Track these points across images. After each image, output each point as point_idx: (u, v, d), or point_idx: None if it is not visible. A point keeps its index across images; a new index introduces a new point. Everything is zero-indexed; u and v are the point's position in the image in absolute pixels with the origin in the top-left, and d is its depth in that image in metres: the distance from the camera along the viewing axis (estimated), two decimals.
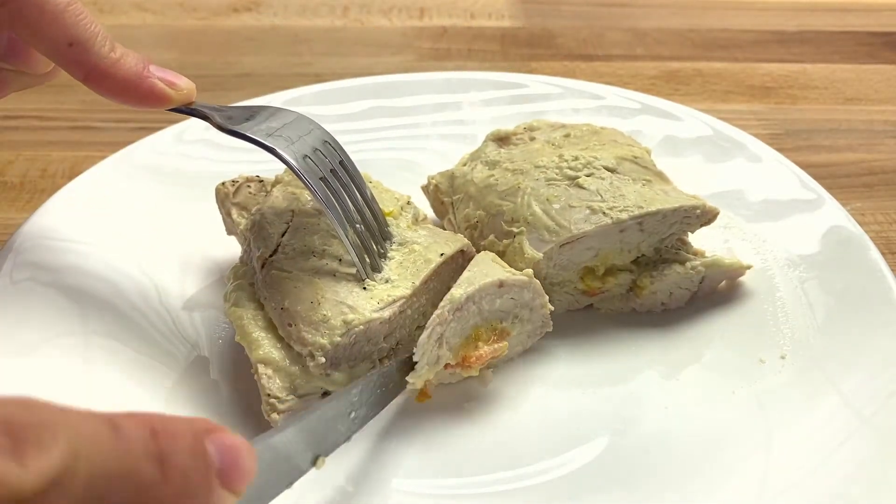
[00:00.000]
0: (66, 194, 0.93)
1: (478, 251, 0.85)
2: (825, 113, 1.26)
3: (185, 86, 0.73)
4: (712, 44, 1.48)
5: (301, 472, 0.55)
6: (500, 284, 0.72)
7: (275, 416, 0.68)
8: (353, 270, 0.73)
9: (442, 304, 0.69)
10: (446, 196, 0.90)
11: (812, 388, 0.73)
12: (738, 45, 1.47)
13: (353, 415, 0.62)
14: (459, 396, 0.76)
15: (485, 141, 0.93)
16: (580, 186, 0.81)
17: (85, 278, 0.83)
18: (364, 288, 0.72)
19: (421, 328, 0.76)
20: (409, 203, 0.84)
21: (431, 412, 0.74)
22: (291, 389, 0.69)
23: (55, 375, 0.73)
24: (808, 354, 0.77)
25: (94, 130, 1.19)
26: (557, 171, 0.83)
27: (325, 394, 0.71)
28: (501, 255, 0.81)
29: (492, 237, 0.82)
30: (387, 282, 0.74)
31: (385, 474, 0.69)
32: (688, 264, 0.82)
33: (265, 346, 0.70)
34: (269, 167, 0.89)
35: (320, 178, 0.72)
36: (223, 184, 0.87)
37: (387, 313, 0.71)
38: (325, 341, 0.68)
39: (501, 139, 0.93)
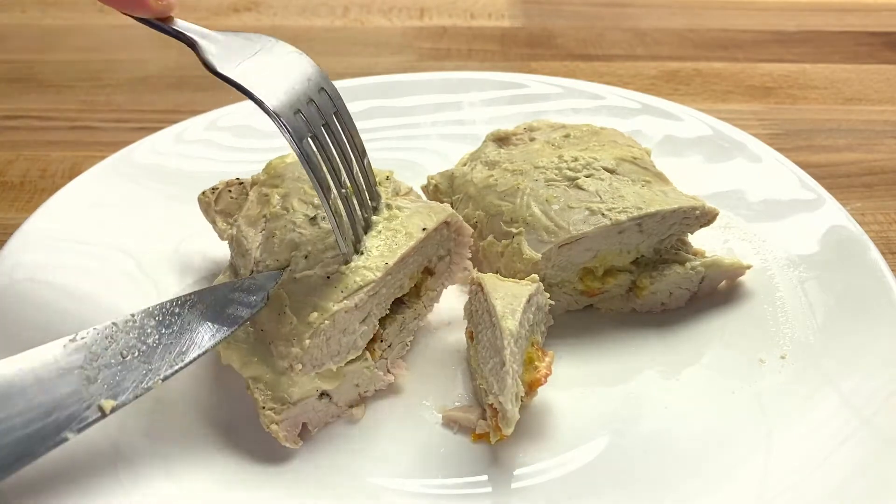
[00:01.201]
0: (66, 194, 0.93)
1: (477, 251, 0.85)
2: (825, 113, 1.26)
3: None
4: (712, 44, 1.48)
5: (86, 420, 0.57)
6: (529, 300, 0.71)
7: (274, 427, 0.68)
8: (316, 268, 0.70)
9: (505, 341, 0.66)
10: (446, 196, 0.90)
11: (812, 388, 0.73)
12: (738, 45, 1.47)
13: (138, 356, 0.61)
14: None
15: (485, 141, 0.93)
16: (579, 187, 0.81)
17: (85, 278, 0.84)
18: (328, 277, 0.69)
19: (401, 307, 0.76)
20: (388, 178, 0.81)
21: (431, 412, 0.74)
22: (286, 398, 0.68)
23: None
24: (808, 354, 0.77)
25: (94, 130, 1.19)
26: (557, 171, 0.83)
27: (323, 394, 0.71)
28: (500, 255, 0.81)
29: (491, 237, 0.82)
30: (361, 254, 0.71)
31: (385, 474, 0.69)
32: (687, 264, 0.82)
33: (253, 364, 0.69)
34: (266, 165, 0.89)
35: (310, 137, 0.66)
36: (204, 193, 0.86)
37: (352, 302, 0.69)
38: (296, 350, 0.67)
39: (501, 139, 0.93)
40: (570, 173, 0.82)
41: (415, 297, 0.79)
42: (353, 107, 1.13)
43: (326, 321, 0.67)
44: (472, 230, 0.80)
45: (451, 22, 1.55)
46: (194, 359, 0.64)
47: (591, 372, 0.78)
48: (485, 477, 0.69)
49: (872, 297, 0.79)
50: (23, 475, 0.63)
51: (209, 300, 0.68)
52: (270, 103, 0.64)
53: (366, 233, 0.73)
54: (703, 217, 0.83)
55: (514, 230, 0.80)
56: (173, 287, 0.86)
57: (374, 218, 0.74)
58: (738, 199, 0.96)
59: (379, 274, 0.70)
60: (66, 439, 0.56)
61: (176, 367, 0.63)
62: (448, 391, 0.76)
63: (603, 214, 0.78)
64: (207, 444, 0.70)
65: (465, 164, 0.92)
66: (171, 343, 0.64)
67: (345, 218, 0.69)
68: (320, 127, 0.68)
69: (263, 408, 0.68)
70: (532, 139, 0.92)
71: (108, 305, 0.81)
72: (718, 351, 0.80)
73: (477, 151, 0.92)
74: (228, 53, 0.66)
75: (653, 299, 0.84)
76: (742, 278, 0.85)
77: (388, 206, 0.75)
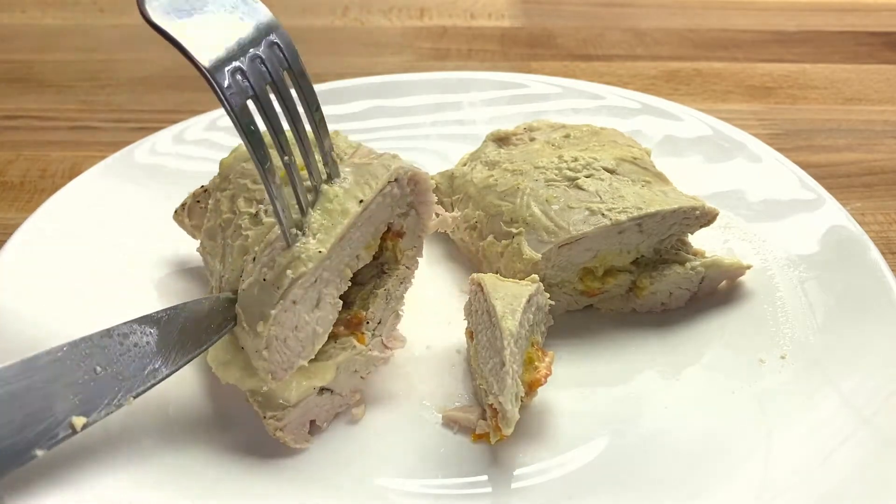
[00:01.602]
0: (66, 194, 0.93)
1: (477, 251, 0.85)
2: (825, 113, 1.26)
3: None
4: (712, 44, 1.48)
5: (56, 437, 0.56)
6: (529, 300, 0.71)
7: (280, 433, 0.68)
8: (257, 270, 0.66)
9: (505, 341, 0.66)
10: (446, 196, 0.90)
11: (812, 388, 0.73)
12: (738, 45, 1.47)
13: (111, 372, 0.60)
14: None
15: (485, 141, 0.93)
16: (579, 187, 0.81)
17: (85, 278, 0.83)
18: (264, 279, 0.64)
19: (381, 277, 0.73)
20: (337, 134, 0.75)
21: (431, 412, 0.74)
22: (284, 403, 0.68)
23: None
24: (808, 354, 0.77)
25: (94, 130, 1.19)
26: (557, 171, 0.83)
27: (324, 389, 0.71)
28: (500, 255, 0.81)
29: (491, 237, 0.82)
30: (304, 235, 0.65)
31: (385, 474, 0.69)
32: (687, 264, 0.82)
33: (248, 379, 0.68)
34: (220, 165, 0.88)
35: (251, 97, 0.59)
36: (176, 212, 0.84)
37: (288, 300, 0.64)
38: (261, 363, 0.65)
39: (501, 139, 0.93)
40: (570, 173, 0.82)
41: (393, 262, 0.75)
42: (353, 107, 1.14)
43: (272, 328, 0.64)
44: (427, 174, 0.73)
45: (451, 22, 1.55)
46: (166, 376, 0.64)
47: (591, 372, 0.78)
48: (485, 477, 0.69)
49: (872, 297, 0.79)
50: (21, 475, 0.63)
51: (183, 318, 0.66)
52: (204, 59, 0.56)
53: (313, 206, 0.67)
54: (703, 217, 0.83)
55: (514, 230, 0.80)
56: (172, 287, 0.86)
57: (326, 188, 0.67)
58: (738, 199, 0.96)
59: (311, 264, 0.64)
60: (35, 456, 0.55)
61: (148, 384, 0.62)
62: (448, 391, 0.76)
63: (603, 214, 0.78)
64: (207, 445, 0.70)
65: (465, 164, 0.92)
66: (145, 359, 0.63)
67: (287, 191, 0.63)
68: (264, 88, 0.61)
69: (265, 417, 0.68)
70: (532, 139, 0.92)
71: (107, 306, 0.81)
72: (718, 351, 0.79)
73: (477, 151, 0.92)
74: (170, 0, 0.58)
75: (653, 299, 0.84)
76: (742, 278, 0.85)
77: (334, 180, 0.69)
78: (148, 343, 0.64)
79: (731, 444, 0.70)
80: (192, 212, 0.82)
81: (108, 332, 0.62)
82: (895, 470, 0.64)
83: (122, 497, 0.64)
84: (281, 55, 0.62)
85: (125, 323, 0.64)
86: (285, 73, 0.63)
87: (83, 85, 1.31)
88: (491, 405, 0.68)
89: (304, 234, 0.65)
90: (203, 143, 1.05)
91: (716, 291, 0.86)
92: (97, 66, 1.36)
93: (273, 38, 0.61)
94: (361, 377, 0.74)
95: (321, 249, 0.65)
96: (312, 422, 0.71)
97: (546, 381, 0.70)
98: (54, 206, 0.91)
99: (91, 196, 0.94)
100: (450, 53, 1.44)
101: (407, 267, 0.77)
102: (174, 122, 1.08)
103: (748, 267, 0.85)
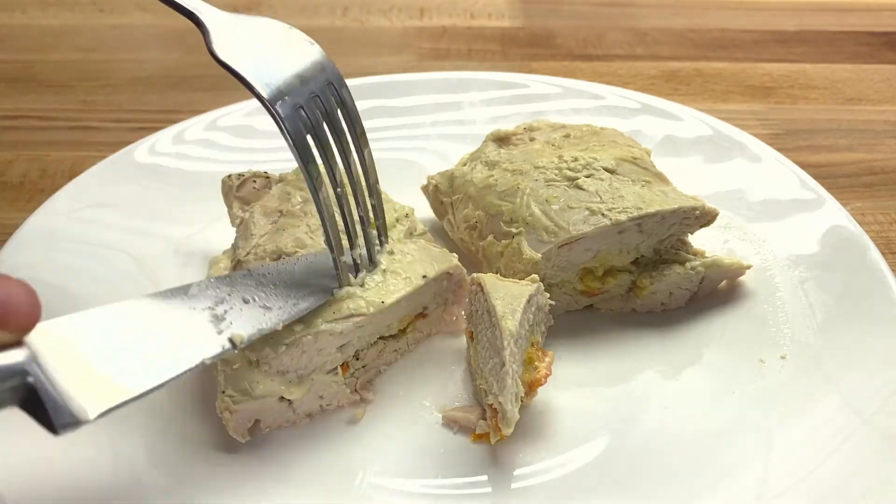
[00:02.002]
0: (66, 194, 0.93)
1: (477, 251, 0.85)
2: (825, 113, 1.26)
3: None
4: (712, 44, 1.48)
5: (218, 351, 0.58)
6: (529, 300, 0.71)
7: (227, 414, 0.67)
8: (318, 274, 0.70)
9: (505, 341, 0.66)
10: (446, 196, 0.90)
11: (812, 388, 0.73)
12: (738, 45, 1.47)
13: (258, 302, 0.64)
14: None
15: (485, 141, 0.93)
16: (579, 187, 0.81)
17: (85, 278, 0.83)
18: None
19: (383, 339, 0.75)
20: (407, 216, 0.82)
21: (431, 412, 0.74)
22: (247, 390, 0.68)
23: None
24: (808, 354, 0.77)
25: (94, 130, 1.19)
26: (557, 171, 0.83)
27: (282, 399, 0.70)
28: (500, 255, 0.81)
29: (491, 237, 0.82)
30: (361, 286, 0.70)
31: (385, 474, 0.69)
32: (688, 264, 0.82)
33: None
34: (275, 166, 0.89)
35: (310, 135, 0.63)
36: (229, 176, 0.87)
37: (339, 327, 0.68)
38: (269, 350, 0.67)
39: (501, 139, 0.93)
40: (570, 173, 0.82)
41: (401, 332, 0.78)
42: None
43: (309, 336, 0.67)
44: (468, 281, 0.78)
45: (451, 22, 1.55)
46: (305, 310, 0.66)
47: (591, 372, 0.78)
48: (485, 477, 0.69)
49: (873, 297, 0.79)
50: (20, 475, 0.64)
51: (314, 264, 0.71)
52: (268, 94, 0.60)
53: (367, 268, 0.72)
54: (703, 217, 0.83)
55: (513, 230, 0.80)
56: (173, 286, 0.86)
57: (377, 257, 0.73)
58: (738, 199, 0.96)
59: (372, 310, 0.69)
60: (203, 364, 0.57)
61: (293, 314, 0.65)
62: (448, 391, 0.76)
63: (603, 214, 0.78)
64: (207, 445, 0.70)
65: (465, 164, 0.92)
66: (287, 294, 0.66)
67: (345, 244, 0.69)
68: (321, 122, 0.65)
69: (223, 392, 0.68)
70: (532, 139, 0.92)
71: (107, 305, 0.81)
72: (718, 351, 0.79)
73: (477, 151, 0.92)
74: (233, 37, 0.62)
75: (653, 299, 0.84)
76: (742, 278, 0.85)
77: (390, 253, 0.75)
78: (287, 281, 0.68)
79: (731, 444, 0.70)
80: (244, 185, 0.86)
81: (248, 272, 0.67)
82: (895, 470, 0.64)
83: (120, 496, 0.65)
84: (335, 95, 0.66)
85: (265, 265, 0.69)
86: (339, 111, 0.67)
87: (83, 85, 1.31)
88: (491, 405, 0.68)
89: (357, 285, 0.70)
90: (203, 143, 1.05)
91: (716, 291, 0.86)
92: (97, 66, 1.36)
93: (328, 76, 0.66)
94: (321, 406, 0.74)
95: (384, 301, 0.69)
96: (258, 421, 0.71)
97: (546, 382, 0.69)
98: (54, 206, 0.91)
99: (91, 196, 0.94)
100: (450, 53, 1.44)
101: (408, 343, 0.80)
102: (174, 122, 1.08)
103: (748, 267, 0.85)
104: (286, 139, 0.61)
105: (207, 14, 0.63)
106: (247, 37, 0.63)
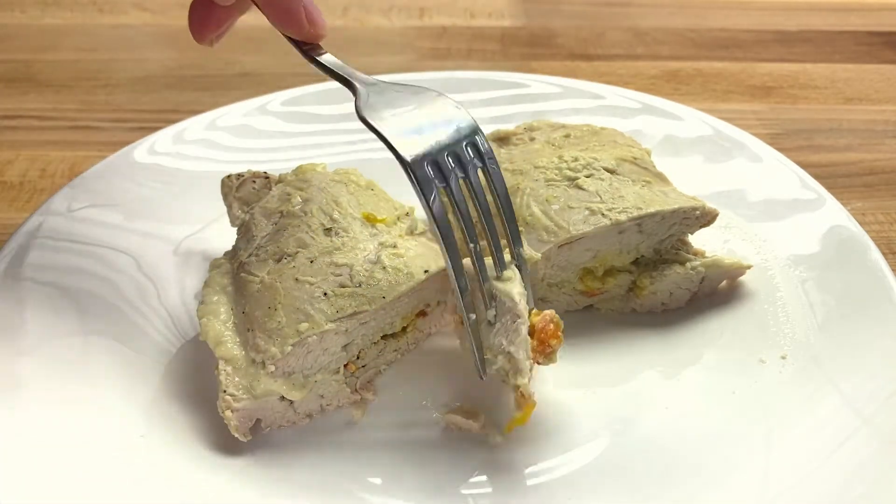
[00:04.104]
0: (66, 194, 0.93)
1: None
2: (825, 113, 1.26)
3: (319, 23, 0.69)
4: (712, 44, 1.48)
5: None
6: None
7: (228, 413, 0.68)
8: (318, 279, 0.71)
9: (516, 297, 0.67)
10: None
11: (812, 388, 0.73)
12: (739, 45, 1.47)
13: None
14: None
15: None
16: (579, 187, 0.81)
17: (85, 278, 0.83)
18: (325, 294, 0.70)
19: (385, 338, 0.76)
20: (408, 214, 0.82)
21: (431, 412, 0.74)
22: (249, 389, 0.68)
23: (55, 374, 0.73)
24: (809, 354, 0.76)
25: (94, 130, 1.19)
26: (557, 171, 0.83)
27: (283, 398, 0.70)
28: None
29: None
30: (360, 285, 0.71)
31: (384, 474, 0.69)
32: (688, 264, 0.82)
33: (227, 344, 0.70)
34: (275, 166, 0.89)
35: (442, 188, 0.65)
36: (229, 176, 0.87)
37: (344, 326, 0.70)
38: (275, 350, 0.67)
39: (501, 139, 0.93)
40: (570, 173, 0.82)
41: (401, 331, 0.78)
42: (353, 106, 1.14)
43: (315, 336, 0.68)
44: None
45: (451, 21, 1.55)
46: None
47: (591, 372, 0.78)
48: (484, 477, 0.69)
49: (873, 297, 0.79)
50: (19, 475, 0.63)
51: None
52: (405, 153, 0.64)
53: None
54: (704, 217, 0.83)
55: None
56: (173, 287, 0.86)
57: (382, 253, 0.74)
58: (739, 199, 0.96)
59: (374, 306, 0.70)
60: None
61: None
62: (448, 391, 0.76)
63: (603, 214, 0.78)
64: (206, 445, 0.70)
65: None
66: None
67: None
68: (457, 182, 0.66)
69: (224, 391, 0.68)
70: (532, 139, 0.92)
71: (108, 305, 0.81)
72: (718, 351, 0.79)
73: None
74: (380, 100, 0.67)
75: (653, 299, 0.84)
76: (742, 278, 0.85)
77: (394, 245, 0.76)
78: None
79: (732, 443, 0.70)
80: (243, 185, 0.86)
81: None
82: (895, 470, 0.64)
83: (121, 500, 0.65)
84: (477, 157, 0.68)
85: None
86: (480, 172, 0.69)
87: (83, 85, 1.31)
88: (507, 375, 0.66)
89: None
90: (203, 143, 1.05)
91: (716, 291, 0.86)
92: (97, 66, 1.36)
93: (473, 141, 0.68)
94: (322, 406, 0.74)
95: (385, 296, 0.71)
96: (259, 420, 0.71)
97: (560, 338, 0.69)
98: (54, 206, 0.91)
99: (91, 196, 0.94)
100: (450, 53, 1.44)
101: (408, 342, 0.80)
102: (174, 122, 1.08)
103: (748, 267, 0.84)
104: (421, 202, 0.64)
105: (360, 79, 0.69)
106: (393, 100, 0.68)
